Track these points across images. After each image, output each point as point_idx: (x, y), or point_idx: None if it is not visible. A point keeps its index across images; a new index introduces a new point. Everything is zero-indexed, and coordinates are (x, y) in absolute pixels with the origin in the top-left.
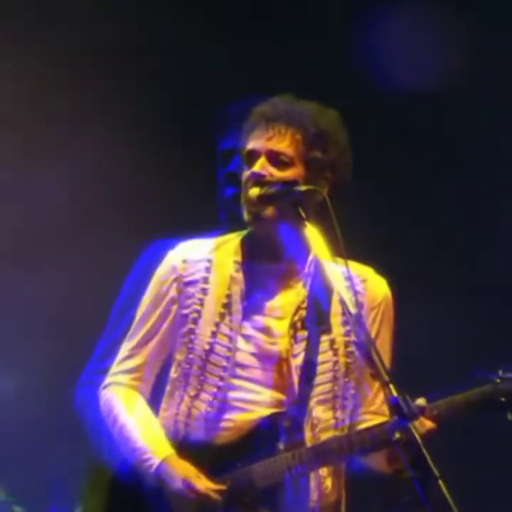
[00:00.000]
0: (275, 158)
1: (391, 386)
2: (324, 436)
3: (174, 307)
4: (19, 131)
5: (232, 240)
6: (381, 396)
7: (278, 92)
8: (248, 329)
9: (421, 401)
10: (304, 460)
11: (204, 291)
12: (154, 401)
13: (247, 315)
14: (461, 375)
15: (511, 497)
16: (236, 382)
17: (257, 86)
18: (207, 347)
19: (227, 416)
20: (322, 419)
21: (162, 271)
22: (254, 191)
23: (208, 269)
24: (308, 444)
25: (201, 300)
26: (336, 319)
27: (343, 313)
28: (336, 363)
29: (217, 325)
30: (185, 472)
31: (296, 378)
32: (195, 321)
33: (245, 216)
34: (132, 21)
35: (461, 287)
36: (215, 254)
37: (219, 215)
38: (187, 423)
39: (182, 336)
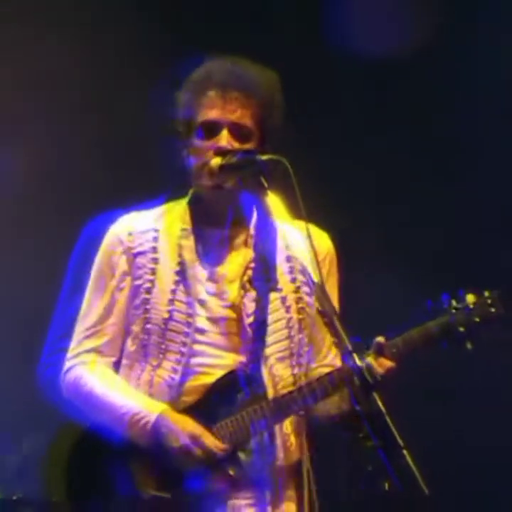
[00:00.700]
0: (238, 131)
1: (354, 355)
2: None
3: (127, 279)
4: None
5: (175, 209)
6: (334, 350)
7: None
8: (202, 294)
9: (379, 339)
10: (267, 413)
11: (155, 260)
12: None
13: (199, 280)
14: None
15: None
16: (197, 347)
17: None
18: (166, 315)
19: (190, 381)
20: (282, 376)
21: (108, 245)
22: (216, 161)
23: (155, 239)
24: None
25: (153, 269)
26: (284, 277)
27: (290, 271)
28: (289, 320)
29: (173, 292)
30: (190, 427)
31: (251, 338)
32: (148, 291)
33: (205, 185)
34: None
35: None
36: (161, 224)
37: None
38: (150, 393)
39: (136, 308)
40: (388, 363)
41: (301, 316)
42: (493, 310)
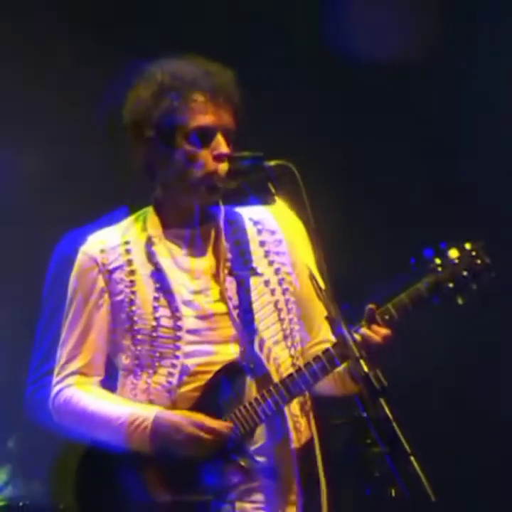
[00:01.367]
0: (228, 136)
1: (361, 362)
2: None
3: (105, 297)
4: None
5: (141, 217)
6: (325, 325)
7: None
8: (186, 295)
9: (371, 306)
10: (274, 397)
11: (132, 272)
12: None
13: (180, 281)
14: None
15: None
16: (190, 347)
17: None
18: (153, 323)
19: (189, 382)
20: (281, 358)
21: (82, 265)
22: (224, 167)
23: (128, 251)
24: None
25: (132, 282)
26: (262, 262)
27: (267, 255)
28: (276, 302)
29: (156, 299)
30: (188, 416)
31: (243, 327)
32: (132, 303)
33: (204, 192)
34: None
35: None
36: (130, 235)
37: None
38: (150, 400)
39: (123, 322)
40: (383, 331)
41: (286, 297)
42: (479, 261)
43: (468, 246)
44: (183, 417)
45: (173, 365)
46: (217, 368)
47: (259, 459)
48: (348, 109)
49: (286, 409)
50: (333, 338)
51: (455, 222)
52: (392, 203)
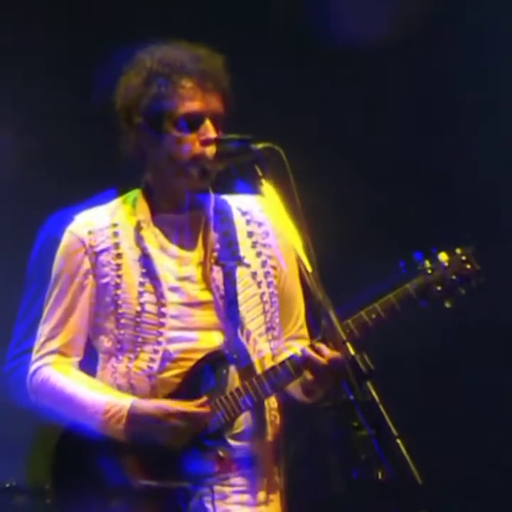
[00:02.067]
0: (216, 121)
1: (348, 345)
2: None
3: (90, 278)
4: None
5: (129, 200)
6: (300, 320)
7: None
8: (172, 281)
9: (323, 323)
10: (255, 389)
11: (119, 256)
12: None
13: (166, 268)
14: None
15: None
16: (173, 333)
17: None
18: (138, 308)
19: (171, 368)
20: (264, 350)
21: (69, 246)
22: (211, 150)
23: (116, 234)
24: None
25: (119, 265)
26: (249, 253)
27: (254, 246)
28: (262, 294)
29: (142, 284)
30: (163, 405)
31: (228, 317)
32: (117, 287)
33: (194, 174)
34: None
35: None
36: (118, 218)
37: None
38: (130, 384)
39: (107, 305)
40: (331, 353)
41: (271, 290)
42: (468, 266)
43: (458, 251)
44: (157, 407)
45: (155, 351)
46: (200, 355)
47: (238, 443)
48: (337, 95)
49: (265, 402)
50: (306, 334)
51: (445, 225)
52: (384, 199)
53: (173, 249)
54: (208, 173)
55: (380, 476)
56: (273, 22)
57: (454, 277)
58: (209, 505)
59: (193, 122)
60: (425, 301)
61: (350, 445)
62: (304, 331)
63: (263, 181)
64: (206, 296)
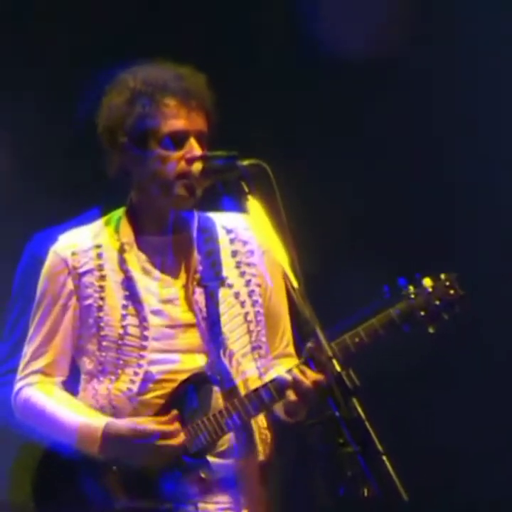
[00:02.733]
0: (201, 139)
1: (334, 361)
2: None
3: (73, 300)
4: None
5: (112, 221)
6: (286, 338)
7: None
8: (154, 304)
9: (310, 344)
10: (240, 410)
11: (102, 277)
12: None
13: (149, 290)
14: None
15: None
16: (155, 356)
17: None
18: (121, 331)
19: (152, 390)
20: (248, 371)
21: (52, 267)
22: (197, 166)
23: (100, 256)
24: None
25: (102, 287)
26: (232, 273)
27: (238, 266)
28: (246, 314)
29: (124, 307)
30: (132, 425)
31: (211, 338)
32: (100, 309)
33: (180, 192)
34: None
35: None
36: (102, 239)
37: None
38: (111, 406)
39: (90, 327)
40: (315, 376)
41: (256, 309)
42: (452, 292)
43: (442, 276)
44: (128, 426)
45: (136, 373)
46: (182, 376)
47: (221, 461)
48: (325, 111)
49: (253, 422)
50: (292, 352)
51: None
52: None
53: (156, 271)
54: (194, 191)
55: (366, 493)
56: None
57: (437, 303)
58: None
59: (177, 140)
60: (408, 326)
61: (336, 461)
62: (291, 349)
63: (249, 197)
64: (189, 318)
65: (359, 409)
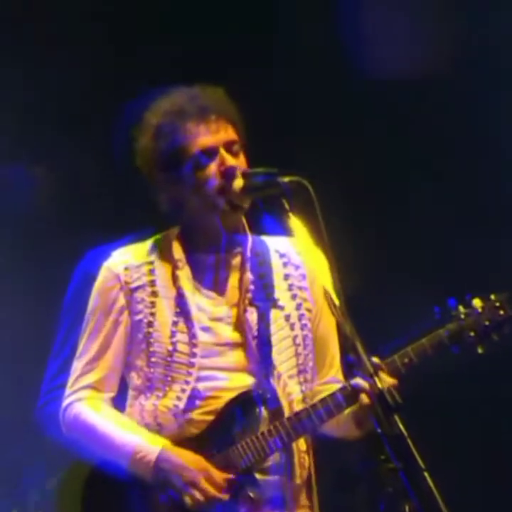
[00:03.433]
0: (230, 148)
1: (376, 379)
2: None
3: (125, 315)
4: None
5: (166, 239)
6: (334, 367)
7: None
8: (205, 321)
9: (375, 359)
10: (283, 432)
11: (154, 293)
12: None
13: (200, 308)
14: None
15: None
16: (204, 373)
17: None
18: (170, 347)
19: (199, 407)
20: (294, 393)
21: (105, 281)
22: (239, 183)
23: (152, 272)
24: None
25: (153, 303)
26: (284, 295)
27: (290, 289)
28: (295, 337)
29: (175, 324)
30: (194, 461)
31: (259, 358)
32: (150, 325)
33: (223, 207)
34: None
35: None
36: (155, 256)
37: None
38: (157, 423)
39: (139, 342)
40: (390, 380)
41: (304, 333)
42: (502, 312)
43: (492, 297)
44: (187, 462)
45: (183, 390)
46: (230, 394)
47: (267, 477)
48: (366, 131)
49: (294, 444)
50: (341, 379)
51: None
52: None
53: (208, 289)
54: (237, 207)
55: (407, 509)
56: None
57: (487, 323)
58: None
59: (208, 157)
60: (458, 347)
61: (378, 478)
62: (340, 376)
63: (290, 215)
64: (237, 337)
65: (401, 426)
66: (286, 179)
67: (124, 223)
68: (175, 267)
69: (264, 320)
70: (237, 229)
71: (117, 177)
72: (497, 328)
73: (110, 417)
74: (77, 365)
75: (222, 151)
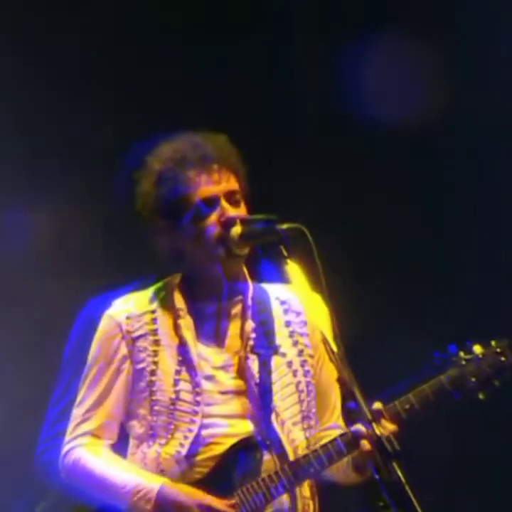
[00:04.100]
0: (231, 198)
1: (374, 425)
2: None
3: (127, 364)
4: None
5: (167, 287)
6: (336, 412)
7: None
8: (208, 370)
9: (377, 405)
10: (286, 477)
11: (156, 342)
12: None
13: (202, 357)
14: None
15: None
16: (207, 420)
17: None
18: (173, 395)
19: (201, 452)
20: (299, 439)
21: (106, 330)
22: (236, 230)
23: (154, 321)
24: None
25: (155, 352)
26: (286, 342)
27: (291, 335)
28: (298, 384)
29: (177, 372)
30: (194, 495)
31: (262, 405)
32: (153, 373)
33: (222, 257)
34: None
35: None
36: (156, 305)
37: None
38: (160, 470)
39: (142, 391)
40: (390, 426)
41: (307, 379)
42: (503, 359)
43: (493, 343)
44: (188, 496)
45: (186, 437)
46: (232, 440)
47: None
48: (362, 177)
49: (297, 491)
50: (342, 425)
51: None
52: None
53: (210, 338)
54: (236, 254)
55: None
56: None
57: (488, 369)
58: None
59: (208, 206)
60: (459, 393)
61: None
62: (341, 422)
63: (288, 261)
64: (240, 384)
65: (399, 473)
66: (285, 226)
67: (126, 270)
68: (176, 316)
69: (266, 367)
70: (237, 277)
71: (119, 221)
72: (498, 374)
73: (110, 461)
74: (77, 413)
75: (223, 201)
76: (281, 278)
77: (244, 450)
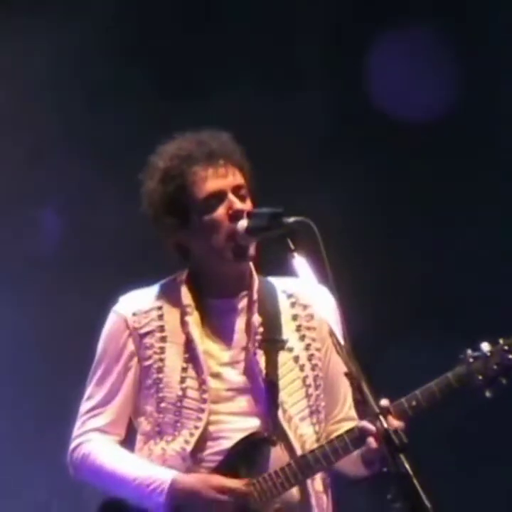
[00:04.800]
0: (237, 192)
1: (381, 418)
2: None
3: (134, 361)
4: None
5: (174, 283)
6: (348, 402)
7: None
8: (215, 367)
9: (384, 402)
10: (297, 470)
11: (163, 339)
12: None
13: (209, 353)
14: None
15: None
16: (213, 417)
17: None
18: (180, 393)
19: (208, 448)
20: (307, 434)
21: (113, 327)
22: (243, 224)
23: (161, 317)
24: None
25: (162, 349)
26: (292, 336)
27: (298, 329)
28: (305, 378)
29: (184, 370)
30: (205, 479)
31: (270, 401)
32: (160, 370)
33: (230, 257)
34: None
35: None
36: (163, 301)
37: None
38: (167, 466)
39: (149, 388)
40: (396, 423)
41: (315, 373)
42: (511, 357)
43: (501, 341)
44: (200, 481)
45: (191, 434)
46: (238, 436)
47: None
48: (370, 170)
49: (310, 485)
50: (354, 416)
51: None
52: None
53: (217, 334)
54: (243, 252)
55: None
56: None
57: (495, 367)
58: None
59: (216, 202)
60: (466, 391)
61: None
62: (353, 413)
63: (295, 254)
64: (248, 381)
65: (407, 466)
66: (291, 219)
67: (158, 267)
68: (183, 313)
69: (272, 363)
70: (244, 272)
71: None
72: (506, 372)
73: (119, 455)
74: (84, 409)
75: (230, 195)
76: (289, 271)
77: (251, 445)
